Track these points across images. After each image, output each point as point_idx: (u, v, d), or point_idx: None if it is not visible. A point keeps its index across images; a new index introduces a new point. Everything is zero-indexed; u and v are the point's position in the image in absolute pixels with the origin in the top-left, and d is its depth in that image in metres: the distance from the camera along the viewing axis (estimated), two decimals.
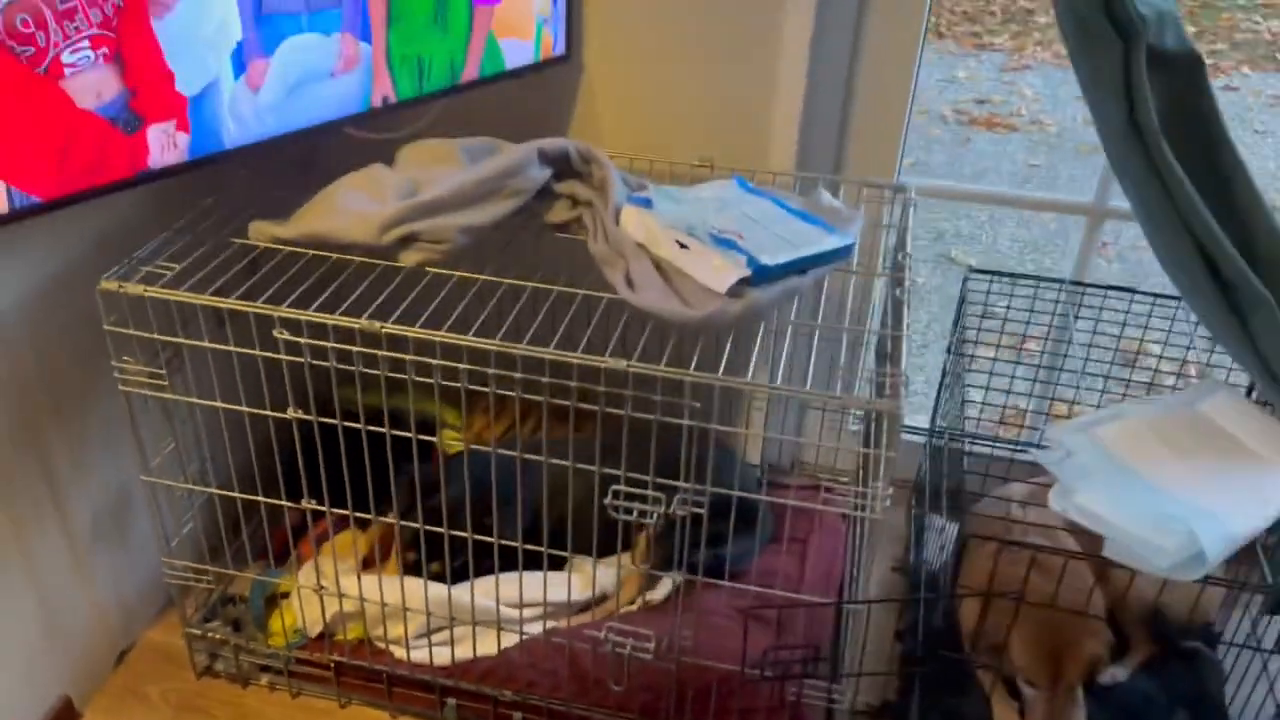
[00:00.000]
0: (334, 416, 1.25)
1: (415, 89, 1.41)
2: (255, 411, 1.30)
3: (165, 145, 1.17)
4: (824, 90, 1.59)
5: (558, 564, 1.37)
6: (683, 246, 1.25)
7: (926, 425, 1.80)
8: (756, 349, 1.25)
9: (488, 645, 1.43)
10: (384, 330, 1.18)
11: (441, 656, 1.44)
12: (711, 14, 1.53)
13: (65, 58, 1.05)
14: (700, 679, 1.36)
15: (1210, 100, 1.23)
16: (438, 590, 1.41)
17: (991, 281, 1.66)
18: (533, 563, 1.35)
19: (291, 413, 1.27)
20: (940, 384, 1.75)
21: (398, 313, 1.22)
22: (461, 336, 1.17)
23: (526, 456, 1.27)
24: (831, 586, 1.59)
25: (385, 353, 1.19)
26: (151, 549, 1.52)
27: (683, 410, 1.16)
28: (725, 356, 1.19)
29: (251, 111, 1.24)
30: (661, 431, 1.18)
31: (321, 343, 1.19)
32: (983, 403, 1.79)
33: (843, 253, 1.31)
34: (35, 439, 1.32)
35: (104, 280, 1.23)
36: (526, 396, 1.18)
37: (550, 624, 1.43)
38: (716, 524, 1.31)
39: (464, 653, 1.43)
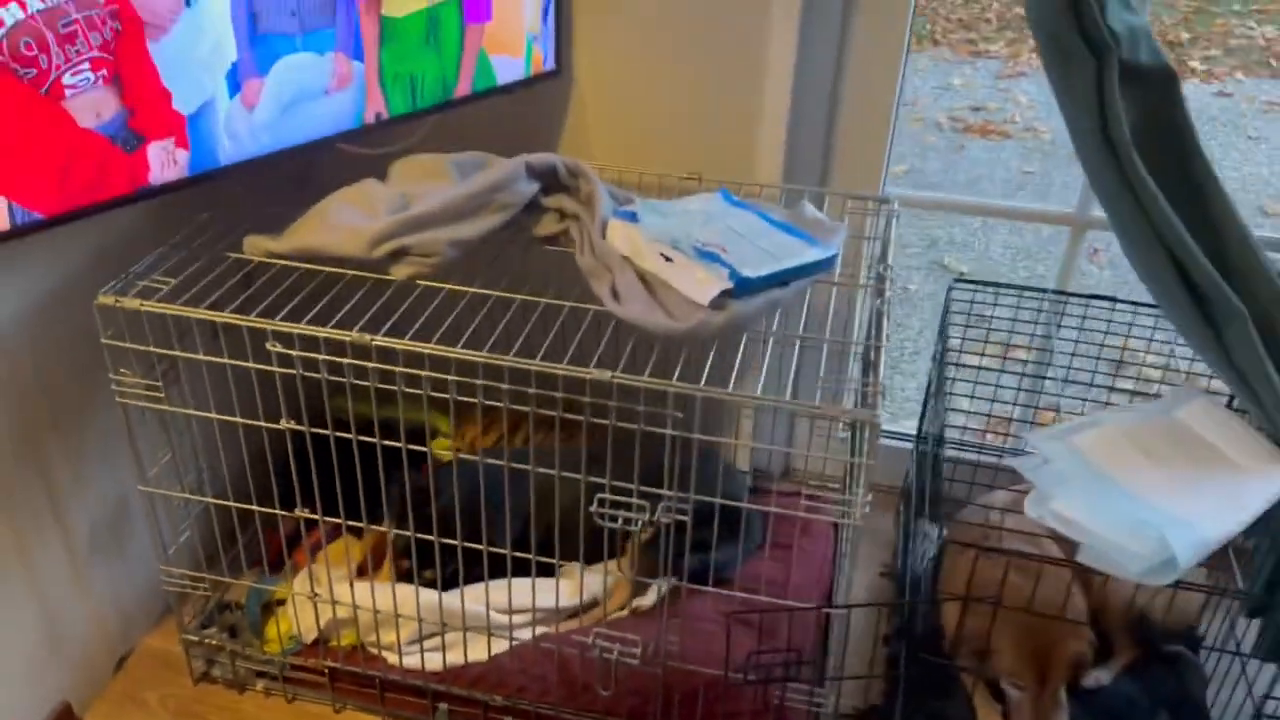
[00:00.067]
0: (327, 427, 1.28)
1: (408, 106, 1.44)
2: (250, 423, 1.32)
3: (165, 162, 1.20)
4: (809, 104, 1.61)
5: (548, 571, 1.40)
6: (667, 259, 1.27)
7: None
8: (739, 359, 1.27)
9: (479, 651, 1.45)
10: (373, 343, 1.20)
11: (433, 662, 1.46)
12: (698, 30, 1.55)
13: (67, 79, 1.08)
14: (686, 683, 1.38)
15: (1184, 113, 1.25)
16: (429, 597, 1.43)
17: (976, 291, 1.68)
18: (524, 570, 1.38)
19: (285, 423, 1.29)
20: (927, 392, 1.77)
21: (389, 325, 1.25)
22: (449, 348, 1.20)
23: (514, 465, 1.29)
24: (820, 592, 1.62)
25: (375, 364, 1.21)
26: (149, 557, 1.54)
27: (666, 420, 1.18)
28: (708, 367, 1.21)
29: (247, 129, 1.27)
30: (646, 440, 1.20)
31: (314, 355, 1.22)
32: (969, 411, 1.80)
33: (824, 265, 1.33)
34: (35, 452, 1.34)
35: (101, 295, 1.25)
36: (514, 407, 1.21)
37: (540, 630, 1.45)
38: (702, 531, 1.33)
39: (455, 658, 1.46)
